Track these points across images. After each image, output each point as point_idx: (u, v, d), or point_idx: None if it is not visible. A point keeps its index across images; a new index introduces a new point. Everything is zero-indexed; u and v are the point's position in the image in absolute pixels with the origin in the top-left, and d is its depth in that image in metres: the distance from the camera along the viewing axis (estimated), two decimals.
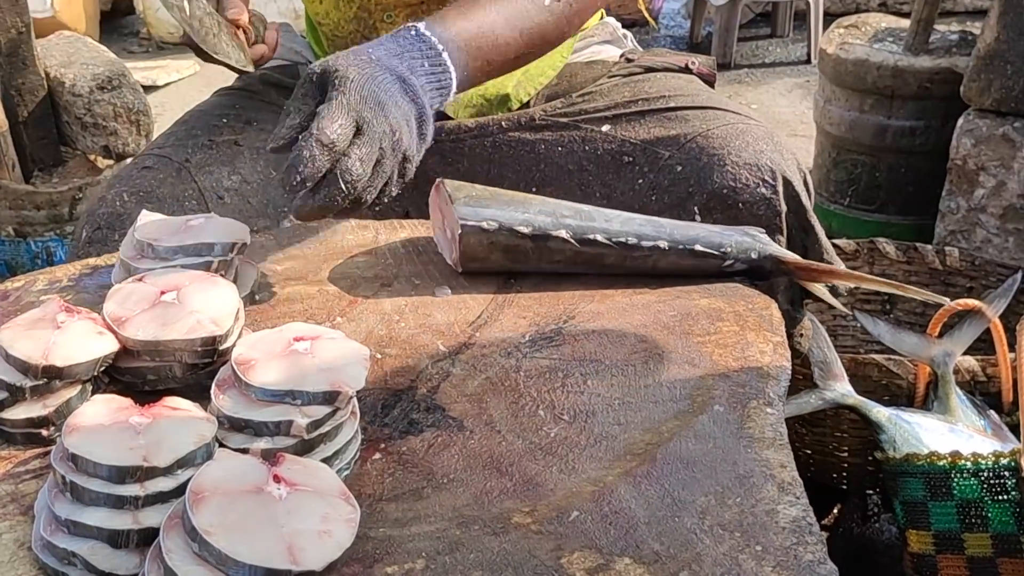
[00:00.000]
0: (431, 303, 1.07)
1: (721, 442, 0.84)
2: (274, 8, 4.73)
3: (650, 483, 0.79)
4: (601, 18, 1.53)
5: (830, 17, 4.40)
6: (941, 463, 1.33)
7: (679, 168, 1.25)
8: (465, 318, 1.04)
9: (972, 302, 1.49)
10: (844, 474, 1.71)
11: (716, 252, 1.10)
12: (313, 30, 1.50)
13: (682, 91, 1.36)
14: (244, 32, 1.34)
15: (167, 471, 0.73)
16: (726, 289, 1.10)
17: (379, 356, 0.97)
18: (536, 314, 1.05)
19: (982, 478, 1.31)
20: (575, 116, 1.35)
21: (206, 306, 0.92)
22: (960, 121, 2.35)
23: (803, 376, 1.48)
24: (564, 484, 0.80)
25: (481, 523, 0.76)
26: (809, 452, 1.71)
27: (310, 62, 1.53)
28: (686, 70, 1.47)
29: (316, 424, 0.79)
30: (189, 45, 1.29)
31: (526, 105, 1.41)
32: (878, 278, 1.17)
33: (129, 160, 1.38)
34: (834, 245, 1.96)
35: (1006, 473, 1.30)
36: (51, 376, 0.85)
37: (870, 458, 1.54)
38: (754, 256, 1.11)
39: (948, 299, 1.27)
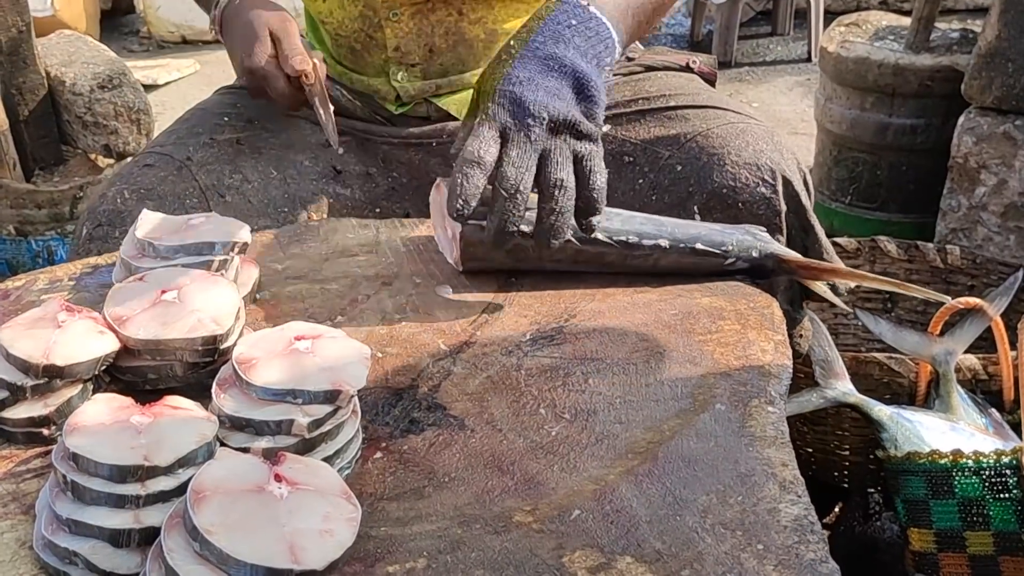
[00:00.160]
0: (432, 302, 1.07)
1: (723, 441, 0.84)
2: None
3: (652, 482, 0.79)
4: None
5: (831, 15, 4.40)
6: (943, 461, 1.33)
7: (679, 168, 1.25)
8: (466, 317, 1.04)
9: (973, 300, 1.49)
10: (845, 472, 1.71)
11: (718, 251, 1.10)
12: (314, 29, 1.50)
13: (682, 90, 1.35)
14: (308, 77, 1.28)
15: (168, 470, 0.73)
16: (727, 288, 1.10)
17: (380, 355, 0.97)
18: (537, 313, 1.05)
19: (984, 476, 1.31)
20: None
21: (207, 305, 0.92)
22: (961, 119, 2.35)
23: (804, 375, 1.48)
24: (565, 483, 0.80)
25: (482, 522, 0.76)
26: (810, 450, 1.71)
27: None
28: (687, 69, 1.47)
29: (317, 423, 0.79)
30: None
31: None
32: (878, 276, 1.17)
33: (130, 158, 1.38)
34: (835, 244, 1.96)
35: (1007, 471, 1.30)
36: (52, 375, 0.85)
37: (871, 456, 1.54)
38: (755, 255, 1.11)
39: (949, 297, 1.27)
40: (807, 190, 1.25)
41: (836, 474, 1.71)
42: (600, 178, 1.01)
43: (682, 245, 1.09)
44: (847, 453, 1.68)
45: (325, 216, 1.33)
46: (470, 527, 0.75)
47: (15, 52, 2.47)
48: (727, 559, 0.71)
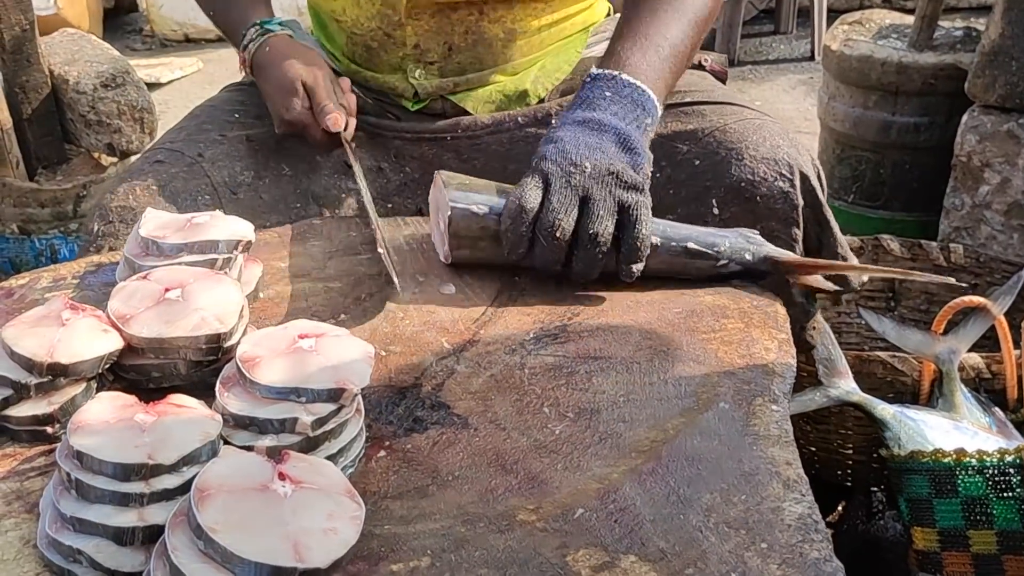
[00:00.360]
0: (435, 300, 1.07)
1: (727, 439, 0.84)
2: (277, 5, 4.72)
3: (655, 480, 0.79)
4: (609, 14, 1.53)
5: (834, 13, 4.38)
6: (946, 460, 1.33)
7: (697, 162, 1.25)
8: (469, 315, 1.04)
9: (977, 299, 1.49)
10: (849, 471, 1.70)
11: (710, 251, 1.09)
12: (322, 27, 1.49)
13: (697, 87, 1.36)
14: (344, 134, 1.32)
15: (172, 468, 0.73)
16: (731, 286, 1.10)
17: (384, 353, 0.97)
18: (540, 311, 1.05)
19: (987, 475, 1.30)
20: None
21: (211, 303, 0.92)
22: (965, 117, 2.35)
23: (808, 373, 1.48)
24: (569, 482, 0.80)
25: (486, 521, 0.76)
26: (814, 449, 1.71)
27: None
28: (699, 67, 1.47)
29: (321, 421, 0.79)
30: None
31: (543, 101, 1.41)
32: (878, 267, 1.17)
33: (137, 155, 1.37)
34: None
35: (1011, 470, 1.30)
36: (56, 373, 0.85)
37: (875, 455, 1.54)
38: (748, 258, 1.11)
39: (952, 279, 1.26)
40: (821, 185, 1.26)
41: (839, 473, 1.71)
42: (645, 228, 1.05)
43: (674, 244, 1.09)
44: (850, 452, 1.68)
45: (338, 212, 1.33)
46: (474, 526, 0.75)
47: (18, 50, 2.47)
48: (731, 558, 0.71)
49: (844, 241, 1.30)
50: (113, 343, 0.88)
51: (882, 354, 1.59)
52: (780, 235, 1.21)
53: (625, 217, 1.04)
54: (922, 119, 2.54)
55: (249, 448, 0.78)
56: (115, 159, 2.64)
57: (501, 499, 0.78)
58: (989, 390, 1.55)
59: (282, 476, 0.72)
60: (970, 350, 1.52)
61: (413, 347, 0.99)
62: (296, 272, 1.13)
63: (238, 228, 1.06)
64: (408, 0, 1.33)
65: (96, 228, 1.26)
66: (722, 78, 1.49)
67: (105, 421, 0.76)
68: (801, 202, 1.22)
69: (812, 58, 4.60)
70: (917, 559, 1.37)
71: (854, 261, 1.30)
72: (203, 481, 0.70)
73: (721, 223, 1.21)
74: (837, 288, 1.26)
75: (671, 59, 1.19)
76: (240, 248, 1.05)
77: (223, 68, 4.66)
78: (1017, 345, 1.53)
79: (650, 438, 0.85)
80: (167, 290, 0.93)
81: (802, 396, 1.47)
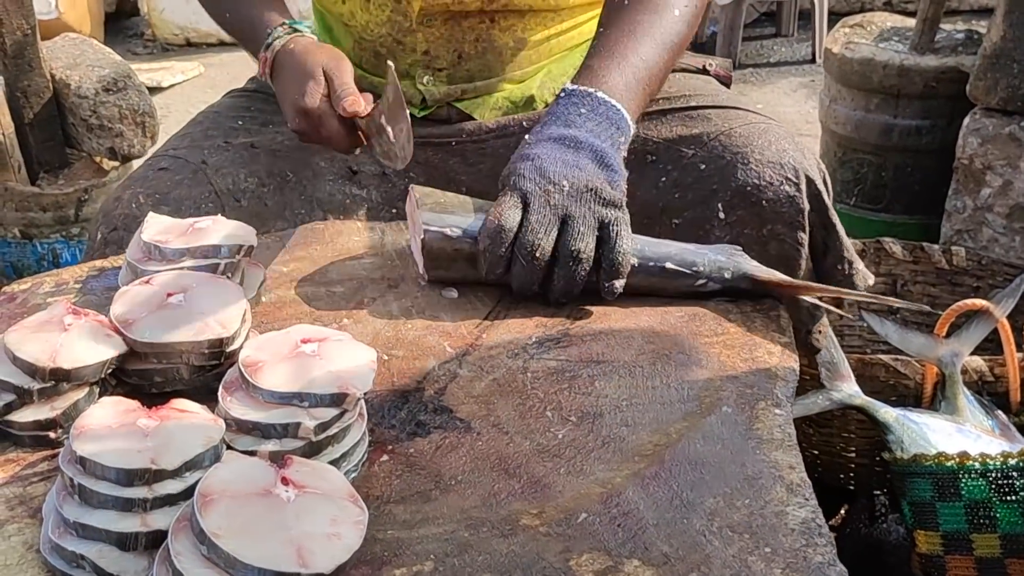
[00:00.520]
0: (438, 304, 1.07)
1: (729, 443, 0.84)
2: None
3: (658, 485, 0.79)
4: None
5: (835, 16, 4.38)
6: (949, 464, 1.33)
7: (702, 166, 1.25)
8: (472, 319, 1.04)
9: (979, 302, 1.49)
10: (851, 475, 1.70)
11: (688, 271, 1.08)
12: (328, 31, 1.49)
13: (702, 91, 1.36)
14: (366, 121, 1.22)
15: (175, 474, 0.73)
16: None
17: (386, 358, 0.97)
18: (543, 315, 1.05)
19: (990, 478, 1.30)
20: None
21: (213, 308, 0.92)
22: (966, 120, 2.35)
23: (810, 377, 1.48)
24: (572, 486, 0.80)
25: (489, 525, 0.76)
26: (816, 453, 1.71)
27: None
28: (703, 72, 1.47)
29: (324, 426, 0.79)
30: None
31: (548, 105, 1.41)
32: (858, 292, 1.18)
33: (142, 161, 1.36)
34: None
35: (1014, 473, 1.30)
36: (58, 378, 0.85)
37: (878, 459, 1.53)
38: (727, 276, 1.09)
39: (928, 307, 1.30)
40: (827, 189, 1.26)
41: (842, 476, 1.71)
42: (626, 243, 1.05)
43: (651, 264, 1.08)
44: (853, 455, 1.68)
45: (342, 218, 1.33)
46: (477, 530, 0.75)
47: (20, 55, 2.47)
48: (735, 562, 0.71)
49: (850, 245, 1.30)
50: (115, 348, 0.88)
51: (885, 357, 1.59)
52: (786, 239, 1.21)
53: (605, 233, 1.04)
54: (924, 122, 2.54)
55: (252, 453, 0.78)
56: (116, 163, 2.64)
57: (504, 503, 0.78)
58: (992, 393, 1.55)
59: (285, 481, 0.72)
60: (973, 353, 1.52)
61: (416, 351, 0.98)
62: (298, 276, 1.13)
63: (240, 232, 1.07)
64: (420, 7, 1.33)
65: (100, 236, 1.26)
66: (727, 83, 1.50)
67: (108, 426, 0.76)
68: (807, 206, 1.22)
69: (813, 61, 4.60)
70: (920, 563, 1.37)
71: (860, 265, 1.30)
72: (206, 486, 0.70)
73: (727, 227, 1.21)
74: (846, 314, 1.26)
75: (646, 80, 1.19)
76: (242, 252, 1.05)
77: (224, 72, 4.66)
78: (1020, 348, 1.53)
79: (653, 442, 0.85)
80: (170, 295, 0.93)
81: (805, 399, 1.47)
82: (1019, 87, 2.24)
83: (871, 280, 1.32)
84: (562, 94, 1.15)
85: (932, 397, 1.54)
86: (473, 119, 1.39)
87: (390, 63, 1.16)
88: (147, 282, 0.96)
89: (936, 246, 2.07)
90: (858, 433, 1.64)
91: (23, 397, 0.85)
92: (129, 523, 0.71)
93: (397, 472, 0.82)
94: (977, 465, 1.31)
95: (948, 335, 1.51)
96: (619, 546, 0.73)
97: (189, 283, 0.95)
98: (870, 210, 2.69)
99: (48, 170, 2.60)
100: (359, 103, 1.18)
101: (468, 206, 1.10)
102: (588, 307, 1.06)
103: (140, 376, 0.90)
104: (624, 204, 1.07)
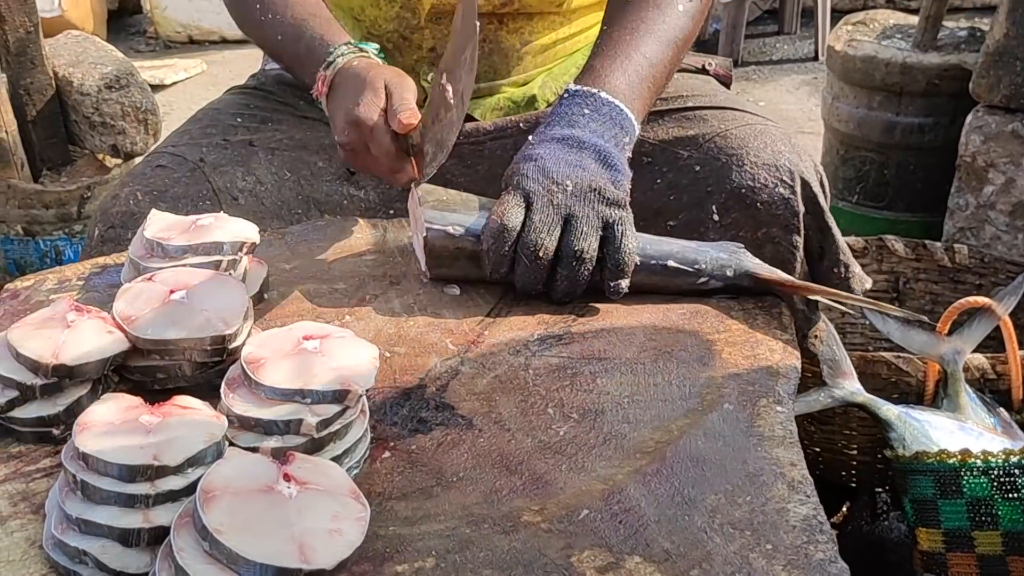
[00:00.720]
0: (440, 301, 1.07)
1: (731, 440, 0.84)
2: None
3: (660, 481, 0.79)
4: None
5: (837, 14, 4.38)
6: (951, 461, 1.33)
7: (697, 168, 1.25)
8: (474, 316, 1.04)
9: (982, 299, 1.49)
10: (853, 472, 1.70)
11: (690, 269, 1.08)
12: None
13: (699, 91, 1.36)
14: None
15: (177, 470, 0.73)
16: None
17: (388, 354, 0.97)
18: (545, 312, 1.05)
19: (992, 476, 1.30)
20: None
21: (215, 305, 0.92)
22: (969, 118, 2.34)
23: (812, 374, 1.48)
24: (573, 482, 0.80)
25: (491, 522, 0.76)
26: (818, 450, 1.71)
27: None
28: (703, 71, 1.47)
29: (326, 423, 0.79)
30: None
31: (551, 105, 1.41)
32: (854, 296, 1.19)
33: (141, 158, 1.36)
34: None
35: (1016, 471, 1.30)
36: (61, 375, 0.85)
37: (879, 456, 1.53)
38: (729, 274, 1.09)
39: (924, 317, 1.31)
40: (824, 192, 1.25)
41: (844, 473, 1.71)
42: (631, 243, 1.05)
43: (653, 262, 1.08)
44: (855, 452, 1.68)
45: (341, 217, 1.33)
46: (478, 527, 0.75)
47: (23, 52, 2.47)
48: (736, 559, 0.71)
49: (846, 248, 1.29)
50: (118, 345, 0.89)
51: (887, 355, 1.59)
52: (781, 242, 1.20)
53: (609, 233, 1.04)
54: (926, 119, 2.54)
55: (254, 449, 0.78)
56: (119, 160, 2.64)
57: (506, 500, 0.78)
58: (994, 391, 1.55)
59: (287, 477, 0.72)
60: (975, 350, 1.52)
61: (417, 348, 0.99)
62: (300, 273, 1.13)
63: (242, 230, 1.07)
64: (431, 5, 1.32)
65: (98, 233, 1.26)
66: (726, 83, 1.49)
67: (110, 423, 0.77)
68: (802, 209, 1.21)
69: (816, 58, 4.60)
70: (922, 560, 1.37)
71: (857, 269, 1.29)
72: (208, 482, 0.70)
73: (722, 229, 1.21)
74: (851, 312, 1.26)
75: (650, 79, 1.18)
76: (245, 250, 1.05)
77: (227, 70, 4.66)
78: (1022, 345, 1.52)
79: (654, 439, 0.85)
80: (172, 292, 0.94)
81: (807, 397, 1.47)
82: (1022, 84, 2.23)
83: (868, 283, 1.31)
84: (565, 95, 1.15)
85: (934, 394, 1.54)
86: (473, 119, 1.39)
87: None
88: (150, 279, 0.96)
89: (938, 244, 2.07)
90: (860, 430, 1.64)
91: (26, 393, 0.85)
92: (132, 519, 0.71)
93: (399, 469, 0.82)
94: (979, 463, 1.31)
95: (950, 333, 1.51)
96: (620, 543, 0.73)
97: (191, 280, 0.96)
98: (872, 208, 2.69)
99: (51, 167, 2.60)
100: (416, 116, 1.10)
101: (470, 204, 1.10)
102: (590, 304, 1.06)
103: (143, 373, 0.90)
104: (628, 204, 1.07)
